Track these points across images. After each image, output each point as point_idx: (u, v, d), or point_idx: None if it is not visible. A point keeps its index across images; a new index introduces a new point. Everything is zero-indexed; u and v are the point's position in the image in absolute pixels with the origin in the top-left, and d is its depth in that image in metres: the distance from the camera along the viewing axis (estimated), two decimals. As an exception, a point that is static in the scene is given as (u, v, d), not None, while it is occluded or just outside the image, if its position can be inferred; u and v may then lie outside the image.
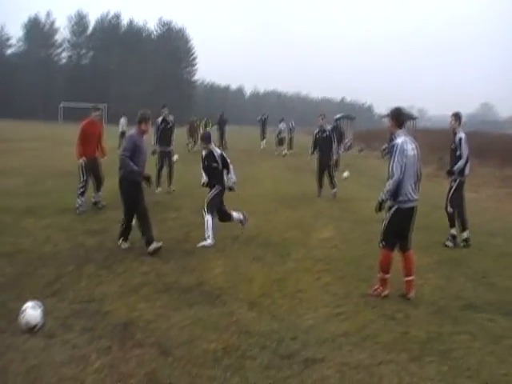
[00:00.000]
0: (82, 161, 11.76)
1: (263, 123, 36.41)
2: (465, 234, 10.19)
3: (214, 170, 9.67)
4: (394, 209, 7.02)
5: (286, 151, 33.20)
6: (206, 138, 9.88)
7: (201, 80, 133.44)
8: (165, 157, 15.30)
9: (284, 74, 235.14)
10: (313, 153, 16.07)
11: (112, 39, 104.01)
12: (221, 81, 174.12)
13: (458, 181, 10.21)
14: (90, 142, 11.95)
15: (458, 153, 10.03)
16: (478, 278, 8.10)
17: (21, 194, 13.47)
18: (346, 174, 20.25)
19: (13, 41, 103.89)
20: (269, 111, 48.62)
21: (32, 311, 5.41)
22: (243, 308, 6.35)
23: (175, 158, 16.78)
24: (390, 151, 7.12)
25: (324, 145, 15.70)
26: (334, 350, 5.32)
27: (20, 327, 5.36)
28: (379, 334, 5.80)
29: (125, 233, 8.82)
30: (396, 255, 7.22)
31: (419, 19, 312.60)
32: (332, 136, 15.79)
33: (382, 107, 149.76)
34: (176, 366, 4.84)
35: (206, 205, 9.42)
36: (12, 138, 35.22)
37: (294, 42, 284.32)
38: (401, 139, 6.93)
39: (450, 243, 10.13)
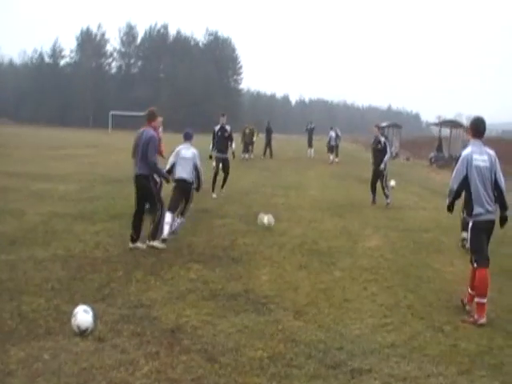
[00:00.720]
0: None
1: (310, 132, 36.76)
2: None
3: None
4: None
5: (334, 159, 33.05)
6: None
7: (247, 88, 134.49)
8: (220, 162, 15.91)
9: (330, 82, 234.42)
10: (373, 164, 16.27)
11: (160, 48, 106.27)
12: (266, 89, 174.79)
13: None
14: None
15: None
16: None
17: (72, 199, 13.79)
18: (392, 182, 20.00)
19: (66, 52, 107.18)
20: (315, 119, 48.76)
21: (83, 315, 5.51)
22: (289, 316, 6.31)
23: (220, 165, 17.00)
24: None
25: (378, 155, 15.94)
26: (381, 361, 5.24)
27: (72, 330, 5.48)
28: (427, 345, 5.68)
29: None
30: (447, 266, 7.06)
31: (470, 22, 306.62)
32: (386, 147, 16.03)
33: (430, 115, 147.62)
34: (222, 373, 4.85)
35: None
36: (64, 146, 36.16)
37: (339, 51, 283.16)
38: (468, 150, 6.78)
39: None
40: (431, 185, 23.35)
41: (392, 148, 44.99)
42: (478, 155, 6.65)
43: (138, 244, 9.05)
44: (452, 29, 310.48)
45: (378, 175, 15.85)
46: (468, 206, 6.78)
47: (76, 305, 5.77)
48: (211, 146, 16.13)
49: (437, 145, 37.98)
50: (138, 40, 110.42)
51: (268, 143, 35.02)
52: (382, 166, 15.73)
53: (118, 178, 15.19)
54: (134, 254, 8.72)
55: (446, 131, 40.51)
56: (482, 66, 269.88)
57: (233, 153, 16.62)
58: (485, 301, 6.56)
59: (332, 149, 33.40)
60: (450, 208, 7.24)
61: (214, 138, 16.06)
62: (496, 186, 6.67)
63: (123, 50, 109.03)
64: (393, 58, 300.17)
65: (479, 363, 5.33)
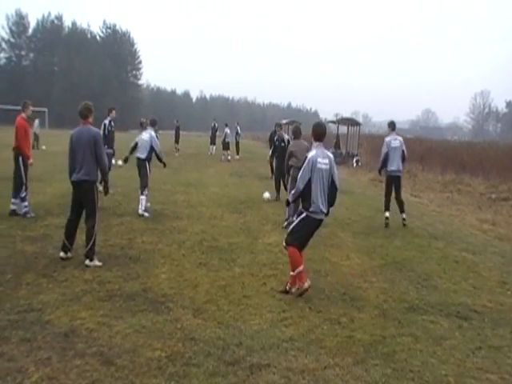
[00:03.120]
0: (31, 161, 11.40)
1: (214, 130, 37.24)
2: (403, 215, 12.75)
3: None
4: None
5: (230, 157, 33.21)
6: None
7: (146, 84, 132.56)
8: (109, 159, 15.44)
9: (230, 79, 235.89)
10: (271, 157, 17.16)
11: (54, 41, 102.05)
12: (166, 85, 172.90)
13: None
14: (28, 140, 11.52)
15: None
16: (421, 280, 8.28)
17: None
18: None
19: None
20: (216, 116, 48.75)
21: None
22: (188, 315, 6.27)
23: (120, 162, 16.68)
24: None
25: (282, 153, 15.92)
26: (280, 356, 5.33)
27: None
28: (324, 338, 5.84)
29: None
30: (343, 259, 7.26)
31: (361, 25, 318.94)
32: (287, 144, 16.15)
33: (328, 113, 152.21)
34: (119, 375, 4.73)
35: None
36: None
37: (237, 48, 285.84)
38: (312, 153, 7.39)
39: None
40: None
41: (291, 145, 46.01)
42: (321, 158, 7.31)
43: (89, 262, 8.10)
44: (348, 28, 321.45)
45: (281, 175, 15.91)
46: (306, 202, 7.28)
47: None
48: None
49: (334, 142, 39.17)
50: (30, 30, 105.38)
51: (176, 141, 35.99)
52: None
53: (5, 175, 14.37)
54: (24, 256, 8.32)
55: (343, 129, 41.84)
56: (378, 66, 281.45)
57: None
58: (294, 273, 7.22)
59: (227, 146, 33.57)
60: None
61: (104, 133, 15.48)
62: (332, 185, 7.43)
63: (12, 40, 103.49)
64: (292, 57, 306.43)
65: (373, 352, 5.55)
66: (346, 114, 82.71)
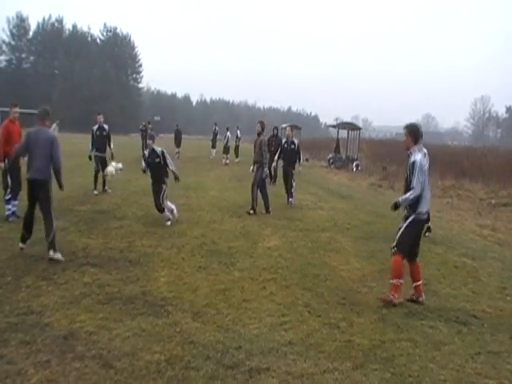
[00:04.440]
0: (3, 164, 11.22)
1: (214, 134, 38.06)
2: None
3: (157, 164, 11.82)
4: (411, 219, 7.32)
5: (228, 160, 33.22)
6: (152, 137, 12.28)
7: (147, 87, 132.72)
8: (99, 161, 16.37)
9: (231, 83, 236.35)
10: (277, 161, 17.41)
11: (55, 43, 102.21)
12: (167, 88, 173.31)
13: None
14: (12, 141, 11.22)
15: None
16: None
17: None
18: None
19: None
20: (217, 119, 48.85)
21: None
22: (187, 318, 6.28)
23: (120, 165, 16.78)
24: (410, 168, 7.27)
25: (291, 156, 16.59)
26: (279, 360, 5.33)
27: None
28: (323, 342, 5.85)
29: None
30: (343, 264, 7.28)
31: (361, 30, 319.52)
32: (299, 148, 16.76)
33: (328, 117, 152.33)
34: (118, 379, 4.75)
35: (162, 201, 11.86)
36: None
37: (237, 52, 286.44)
38: (419, 156, 7.20)
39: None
40: (329, 185, 24.07)
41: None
42: (425, 161, 7.44)
43: (52, 253, 8.41)
44: (351, 30, 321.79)
45: (288, 175, 16.61)
46: (415, 205, 7.28)
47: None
48: (90, 146, 16.45)
49: (334, 146, 39.27)
50: (31, 33, 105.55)
51: (178, 145, 36.40)
52: (300, 168, 16.99)
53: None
54: (24, 258, 8.33)
55: (343, 133, 41.94)
56: (378, 70, 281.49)
57: (112, 153, 16.62)
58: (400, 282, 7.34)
59: (228, 150, 33.67)
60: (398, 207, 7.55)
61: (92, 138, 16.40)
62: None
63: (13, 43, 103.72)
64: (293, 60, 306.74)
65: (372, 357, 5.56)
66: (347, 119, 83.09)
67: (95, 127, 16.45)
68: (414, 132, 7.34)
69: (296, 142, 16.87)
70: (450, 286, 8.34)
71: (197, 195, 17.09)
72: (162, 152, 11.67)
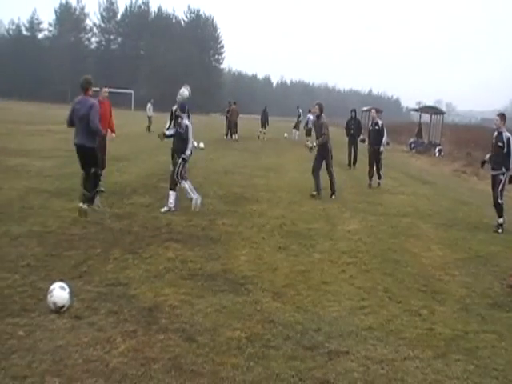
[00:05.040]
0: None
1: (298, 116, 38.24)
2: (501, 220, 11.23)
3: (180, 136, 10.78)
4: None
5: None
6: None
7: (228, 68, 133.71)
8: None
9: (311, 64, 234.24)
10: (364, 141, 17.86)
11: (141, 26, 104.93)
12: (247, 69, 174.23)
13: (506, 175, 11.08)
14: (102, 120, 11.85)
15: (505, 150, 10.95)
16: (506, 276, 7.93)
17: (50, 175, 13.64)
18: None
19: (44, 25, 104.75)
20: (297, 101, 48.72)
21: (60, 292, 5.46)
22: (267, 297, 6.32)
23: (202, 145, 17.04)
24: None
25: (376, 136, 16.61)
26: (358, 344, 5.27)
27: (48, 307, 5.42)
28: (404, 329, 5.73)
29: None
30: (424, 251, 7.06)
31: (448, 12, 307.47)
32: (383, 129, 16.63)
33: (410, 101, 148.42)
34: (200, 352, 4.83)
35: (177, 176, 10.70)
36: (41, 121, 35.66)
37: (322, 35, 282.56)
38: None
39: (500, 230, 11.06)
40: (410, 170, 23.50)
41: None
42: None
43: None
44: (434, 15, 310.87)
45: (375, 155, 16.52)
46: None
47: (52, 282, 5.73)
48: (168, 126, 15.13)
49: (416, 131, 38.26)
50: (119, 16, 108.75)
51: (263, 125, 36.76)
52: (382, 148, 16.53)
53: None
54: (112, 232, 8.64)
55: (425, 117, 40.75)
56: (463, 53, 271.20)
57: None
58: None
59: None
60: None
61: (171, 119, 15.11)
62: None
63: (103, 25, 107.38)
64: (375, 42, 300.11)
65: (454, 347, 5.39)
66: (429, 102, 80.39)
67: (174, 107, 15.75)
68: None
69: (380, 122, 16.69)
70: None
71: (277, 176, 17.12)
72: (187, 126, 10.81)
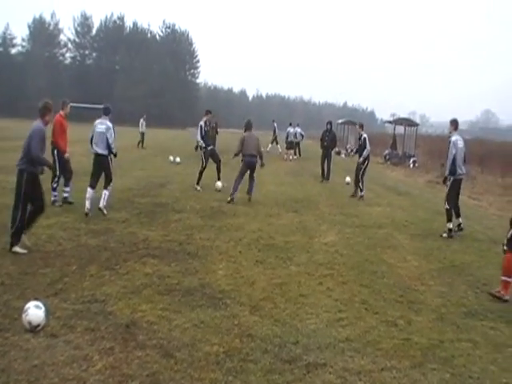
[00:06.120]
0: (67, 156, 12.14)
1: (274, 130, 38.31)
2: (459, 220, 11.94)
3: None
4: None
5: (291, 156, 33.07)
6: None
7: (204, 82, 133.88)
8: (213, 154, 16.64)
9: (286, 78, 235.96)
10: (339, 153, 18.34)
11: (116, 40, 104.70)
12: (223, 83, 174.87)
13: (447, 180, 11.75)
14: (65, 135, 12.23)
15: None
16: (480, 285, 8.07)
17: (24, 192, 13.44)
18: (348, 179, 20.33)
19: (17, 40, 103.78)
20: (273, 114, 48.92)
21: (35, 310, 5.38)
22: (245, 311, 6.31)
23: (178, 159, 17.06)
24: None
25: (358, 150, 17.42)
26: (336, 356, 5.30)
27: (23, 326, 5.34)
28: (381, 340, 5.77)
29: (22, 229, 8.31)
30: (400, 261, 7.13)
31: (421, 26, 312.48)
32: (365, 143, 17.05)
33: (384, 113, 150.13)
34: (178, 368, 4.81)
35: None
36: (16, 137, 35.20)
37: (296, 48, 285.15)
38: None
39: (445, 234, 11.48)
40: (386, 182, 23.69)
41: (348, 145, 45.71)
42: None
43: None
44: (407, 31, 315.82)
45: (357, 168, 17.04)
46: None
47: (27, 300, 5.67)
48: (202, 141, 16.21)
49: (391, 142, 38.68)
50: (94, 31, 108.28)
51: None
52: (360, 159, 16.94)
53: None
54: (88, 248, 8.55)
55: (400, 129, 41.25)
56: (436, 66, 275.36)
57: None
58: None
59: (291, 145, 33.51)
60: None
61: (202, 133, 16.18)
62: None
63: (78, 40, 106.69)
64: (349, 55, 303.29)
65: (431, 356, 5.45)
66: (403, 114, 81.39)
67: (201, 123, 16.29)
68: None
69: (363, 136, 17.23)
70: (512, 287, 8.08)
71: (254, 189, 17.10)
72: None
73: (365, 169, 16.90)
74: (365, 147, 16.91)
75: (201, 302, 6.53)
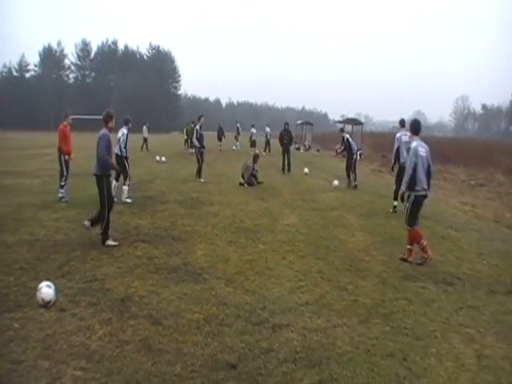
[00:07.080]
0: (67, 157, 12.03)
1: (238, 129, 39.47)
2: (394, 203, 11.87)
3: None
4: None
5: (260, 152, 33.04)
6: None
7: (184, 93, 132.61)
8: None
9: (254, 86, 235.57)
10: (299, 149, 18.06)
11: (111, 61, 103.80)
12: (201, 93, 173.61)
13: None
14: (69, 141, 12.08)
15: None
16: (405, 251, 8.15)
17: (37, 192, 13.17)
18: (306, 170, 20.41)
19: (31, 66, 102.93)
20: (243, 119, 48.80)
21: (47, 289, 5.37)
22: (221, 284, 6.27)
23: (164, 159, 16.87)
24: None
25: (347, 149, 17.12)
26: (297, 317, 5.30)
27: (37, 302, 5.32)
28: (334, 302, 5.80)
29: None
30: (349, 237, 7.15)
31: (363, 30, 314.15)
32: (347, 142, 17.00)
33: (335, 114, 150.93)
34: (165, 333, 4.79)
35: None
36: (29, 146, 34.52)
37: (263, 58, 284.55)
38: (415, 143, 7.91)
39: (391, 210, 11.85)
40: (337, 172, 23.76)
41: (305, 142, 45.80)
42: (421, 148, 7.78)
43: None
44: (351, 35, 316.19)
45: (349, 165, 17.06)
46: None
47: (40, 281, 5.61)
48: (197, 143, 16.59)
49: (341, 139, 38.85)
50: (92, 54, 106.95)
51: (220, 140, 37.19)
52: (355, 156, 17.04)
53: (76, 172, 14.50)
54: (89, 236, 8.38)
55: (348, 127, 41.50)
56: (378, 73, 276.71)
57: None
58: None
59: (254, 143, 33.77)
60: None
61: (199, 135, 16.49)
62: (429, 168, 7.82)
63: (79, 63, 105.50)
64: (307, 65, 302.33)
65: (374, 313, 5.51)
66: (351, 115, 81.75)
67: (198, 127, 16.73)
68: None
69: (346, 137, 17.16)
70: (438, 253, 8.18)
71: (227, 182, 17.04)
72: None
73: (355, 162, 16.88)
74: (350, 146, 16.84)
75: (184, 277, 6.48)
